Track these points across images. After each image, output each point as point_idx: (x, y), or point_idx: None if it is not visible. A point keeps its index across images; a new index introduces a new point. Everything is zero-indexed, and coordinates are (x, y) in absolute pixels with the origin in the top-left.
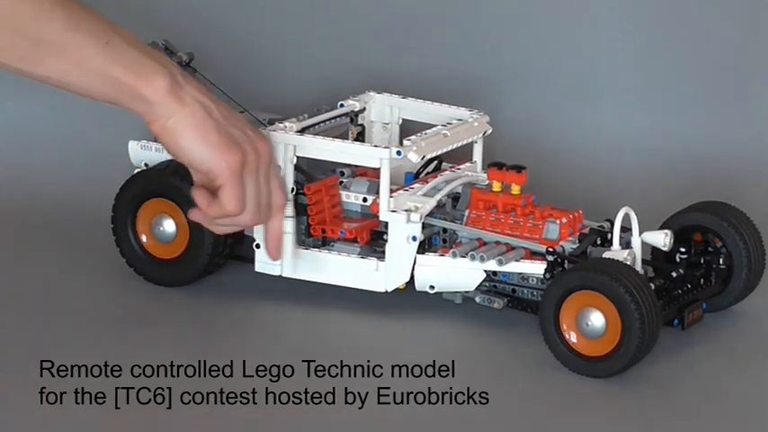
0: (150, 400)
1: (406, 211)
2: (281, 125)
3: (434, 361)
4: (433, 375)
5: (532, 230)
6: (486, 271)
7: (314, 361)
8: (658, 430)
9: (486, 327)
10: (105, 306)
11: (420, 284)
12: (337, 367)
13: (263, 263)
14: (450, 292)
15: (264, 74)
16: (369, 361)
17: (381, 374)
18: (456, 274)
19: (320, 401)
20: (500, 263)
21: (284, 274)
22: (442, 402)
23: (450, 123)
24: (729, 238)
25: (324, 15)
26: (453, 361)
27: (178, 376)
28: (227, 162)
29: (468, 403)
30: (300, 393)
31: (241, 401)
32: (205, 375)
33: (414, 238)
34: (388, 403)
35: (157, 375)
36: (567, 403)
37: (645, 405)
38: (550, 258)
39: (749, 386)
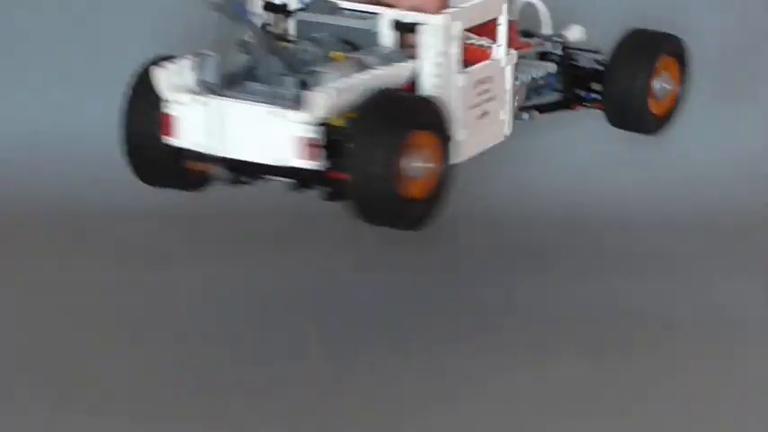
0: (150, 400)
1: None
2: None
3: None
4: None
5: None
6: None
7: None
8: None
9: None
10: (105, 306)
11: None
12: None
13: None
14: None
15: None
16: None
17: (373, 376)
18: None
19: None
20: None
21: None
22: (442, 402)
23: None
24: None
25: None
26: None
27: (178, 376)
28: None
29: (467, 403)
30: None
31: (240, 401)
32: (206, 375)
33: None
34: (387, 402)
35: (157, 375)
36: (567, 401)
37: (647, 404)
38: None
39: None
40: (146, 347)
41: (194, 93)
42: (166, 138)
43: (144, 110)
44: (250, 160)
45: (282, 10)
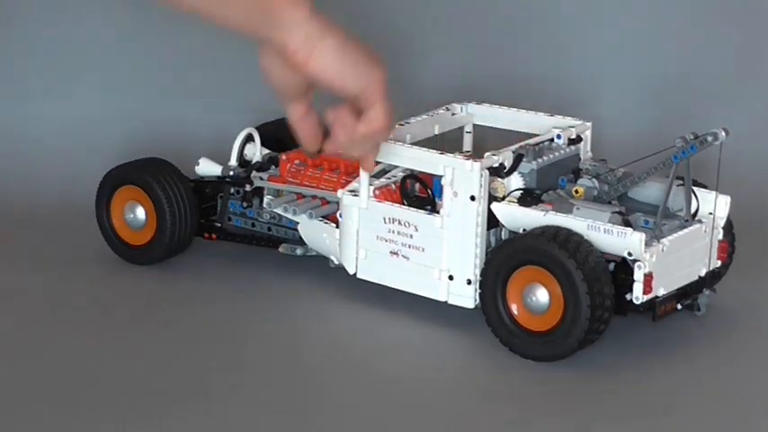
0: (150, 399)
1: None
2: None
3: (434, 363)
4: (432, 375)
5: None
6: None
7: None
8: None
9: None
10: (104, 306)
11: None
12: (339, 368)
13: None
14: None
15: None
16: (365, 360)
17: (377, 373)
18: None
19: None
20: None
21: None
22: (441, 402)
23: None
24: None
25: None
26: (451, 360)
27: (177, 375)
28: (377, 80)
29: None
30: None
31: (240, 401)
32: (202, 375)
33: None
34: (388, 403)
35: (158, 374)
36: (565, 402)
37: (648, 405)
38: None
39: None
40: (144, 346)
41: (650, 244)
42: (646, 296)
43: None
44: (694, 279)
45: (502, 169)
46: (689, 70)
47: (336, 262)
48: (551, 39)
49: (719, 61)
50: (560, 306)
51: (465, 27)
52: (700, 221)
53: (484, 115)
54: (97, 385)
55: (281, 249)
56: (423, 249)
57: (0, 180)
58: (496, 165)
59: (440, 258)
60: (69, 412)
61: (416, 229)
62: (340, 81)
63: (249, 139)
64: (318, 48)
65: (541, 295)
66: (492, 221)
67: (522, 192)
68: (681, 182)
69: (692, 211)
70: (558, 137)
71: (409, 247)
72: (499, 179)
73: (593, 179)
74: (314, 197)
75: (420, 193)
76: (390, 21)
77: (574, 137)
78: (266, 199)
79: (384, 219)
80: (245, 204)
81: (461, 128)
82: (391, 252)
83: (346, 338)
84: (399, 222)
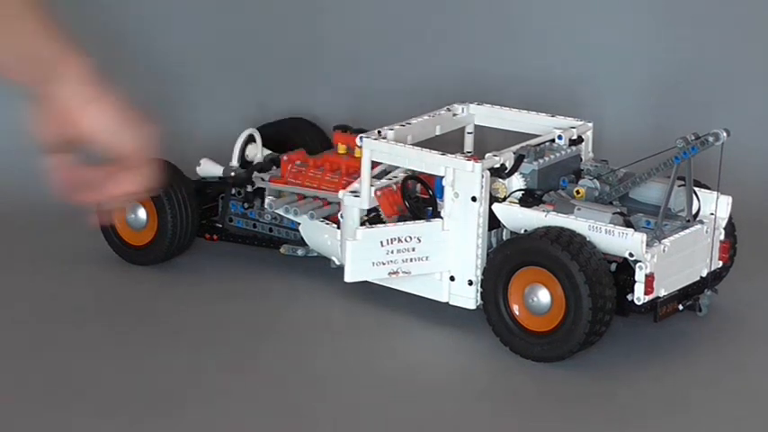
0: (150, 399)
1: None
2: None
3: (434, 363)
4: (432, 375)
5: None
6: None
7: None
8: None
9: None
10: (104, 306)
11: None
12: (339, 368)
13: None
14: None
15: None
16: (366, 360)
17: (377, 373)
18: None
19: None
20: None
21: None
22: (441, 402)
23: None
24: None
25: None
26: (452, 362)
27: (177, 375)
28: (144, 142)
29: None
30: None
31: (240, 402)
32: (202, 375)
33: None
34: (388, 403)
35: (158, 374)
36: (565, 402)
37: (646, 404)
38: None
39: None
40: (144, 346)
41: (651, 244)
42: (647, 296)
43: None
44: (695, 280)
45: (503, 170)
46: (690, 70)
47: (337, 263)
48: (552, 39)
49: (720, 61)
50: (562, 307)
51: (465, 27)
52: (701, 222)
53: (485, 116)
54: (97, 385)
55: (282, 250)
56: (427, 258)
57: (0, 180)
58: (498, 165)
59: (443, 261)
60: (69, 412)
61: (419, 240)
62: (110, 140)
63: (250, 139)
64: (92, 106)
65: (543, 296)
66: (493, 222)
67: (523, 192)
68: (682, 182)
69: (694, 211)
70: (560, 137)
71: (411, 260)
72: (500, 180)
73: (595, 180)
74: (315, 198)
75: (421, 193)
76: (391, 21)
77: (575, 137)
78: (267, 200)
79: (381, 242)
80: (246, 205)
81: (462, 128)
82: (390, 273)
83: (346, 339)
84: (399, 240)
